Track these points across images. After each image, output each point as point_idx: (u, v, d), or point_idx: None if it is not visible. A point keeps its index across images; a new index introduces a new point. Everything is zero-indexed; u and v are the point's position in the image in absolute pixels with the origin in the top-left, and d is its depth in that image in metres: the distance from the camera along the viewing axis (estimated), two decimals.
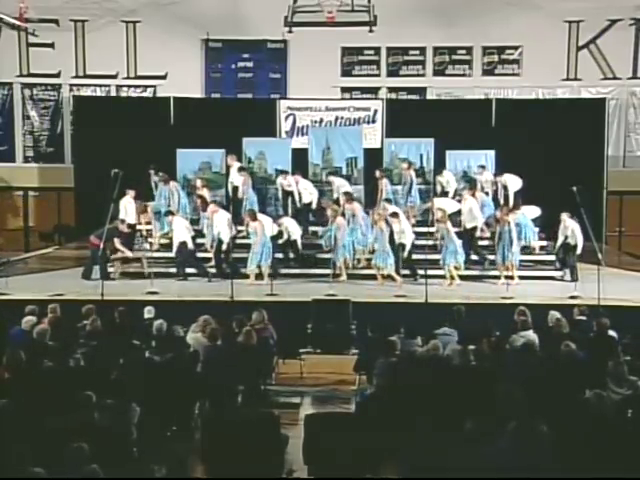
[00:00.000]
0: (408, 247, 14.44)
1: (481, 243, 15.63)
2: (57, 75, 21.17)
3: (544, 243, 16.28)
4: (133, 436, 7.09)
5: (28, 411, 7.20)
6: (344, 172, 17.23)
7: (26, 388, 7.85)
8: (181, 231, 14.91)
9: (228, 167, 16.86)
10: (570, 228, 14.44)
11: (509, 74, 20.86)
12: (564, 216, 14.50)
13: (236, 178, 16.45)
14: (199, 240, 15.42)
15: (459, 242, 14.53)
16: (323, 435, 7.36)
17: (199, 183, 16.25)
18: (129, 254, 15.00)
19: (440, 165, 17.15)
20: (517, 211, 15.15)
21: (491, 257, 15.20)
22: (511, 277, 14.22)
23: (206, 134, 17.41)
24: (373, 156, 17.40)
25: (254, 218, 14.60)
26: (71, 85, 21.13)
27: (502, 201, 16.21)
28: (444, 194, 16.54)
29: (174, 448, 7.60)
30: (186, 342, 9.85)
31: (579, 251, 14.49)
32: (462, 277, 14.68)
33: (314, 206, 16.28)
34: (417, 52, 20.92)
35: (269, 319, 10.75)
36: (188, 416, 8.61)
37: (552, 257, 15.62)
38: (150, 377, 8.44)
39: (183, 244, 14.85)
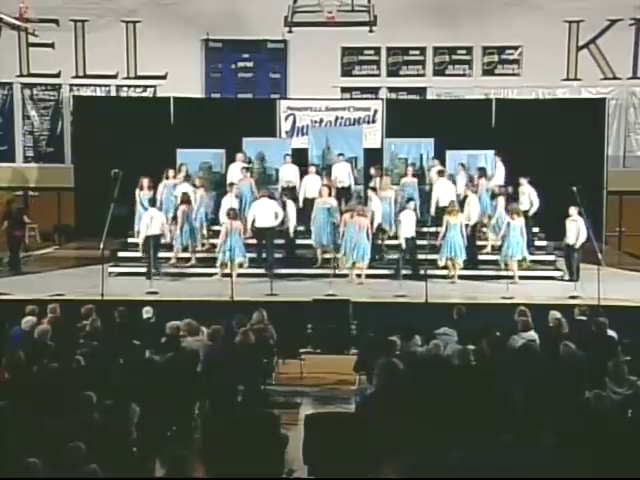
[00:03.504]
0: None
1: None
2: (57, 75, 21.16)
3: (544, 243, 16.30)
4: (133, 436, 7.10)
5: (28, 412, 7.21)
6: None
7: (26, 388, 7.85)
8: (157, 225, 14.93)
9: (232, 161, 16.77)
10: (577, 224, 14.43)
11: (509, 74, 20.85)
12: (572, 210, 14.46)
13: (234, 176, 16.42)
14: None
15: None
16: (323, 435, 7.36)
17: (198, 182, 16.25)
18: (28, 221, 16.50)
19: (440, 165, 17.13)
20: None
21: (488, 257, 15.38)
22: (511, 276, 14.23)
23: (206, 134, 17.40)
24: (373, 156, 17.38)
25: (234, 217, 14.66)
26: (71, 85, 21.11)
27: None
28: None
29: (174, 448, 7.59)
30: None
31: (578, 244, 14.46)
32: (462, 277, 14.73)
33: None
34: (417, 52, 20.91)
35: (269, 319, 10.75)
36: (188, 416, 8.62)
37: (552, 257, 15.63)
38: (150, 377, 8.44)
39: (157, 237, 14.93)
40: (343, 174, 16.54)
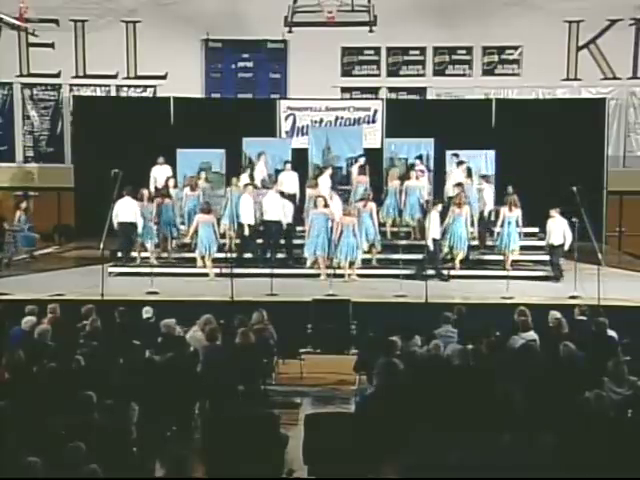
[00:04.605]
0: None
1: None
2: (57, 75, 21.16)
3: (543, 243, 16.29)
4: (133, 436, 7.10)
5: (28, 412, 7.21)
6: (344, 172, 17.20)
7: (26, 388, 7.85)
8: (130, 213, 15.14)
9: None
10: (561, 225, 14.51)
11: (509, 74, 20.85)
12: (554, 212, 14.57)
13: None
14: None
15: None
16: (323, 435, 7.36)
17: (187, 180, 16.40)
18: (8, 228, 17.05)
19: (439, 165, 17.15)
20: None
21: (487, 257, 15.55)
22: (508, 275, 14.30)
23: (206, 134, 17.42)
24: (373, 156, 17.38)
25: (207, 211, 14.99)
26: (71, 85, 21.11)
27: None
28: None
29: (174, 448, 7.59)
30: (186, 342, 9.85)
31: (566, 247, 14.56)
32: (462, 277, 14.76)
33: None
34: (417, 52, 20.91)
35: (269, 319, 10.75)
36: (188, 416, 8.62)
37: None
38: (150, 377, 8.44)
39: (131, 225, 15.17)
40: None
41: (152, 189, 16.28)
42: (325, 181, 16.25)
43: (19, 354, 8.70)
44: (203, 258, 14.97)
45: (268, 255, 15.37)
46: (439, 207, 14.97)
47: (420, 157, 16.93)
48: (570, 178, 15.09)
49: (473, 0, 20.17)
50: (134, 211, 15.21)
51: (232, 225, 15.50)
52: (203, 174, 16.50)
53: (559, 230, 14.53)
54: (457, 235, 14.77)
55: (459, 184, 15.64)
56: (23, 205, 17.56)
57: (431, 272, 14.39)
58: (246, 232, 15.32)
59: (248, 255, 15.45)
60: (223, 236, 15.62)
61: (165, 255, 15.77)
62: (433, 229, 14.71)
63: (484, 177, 16.19)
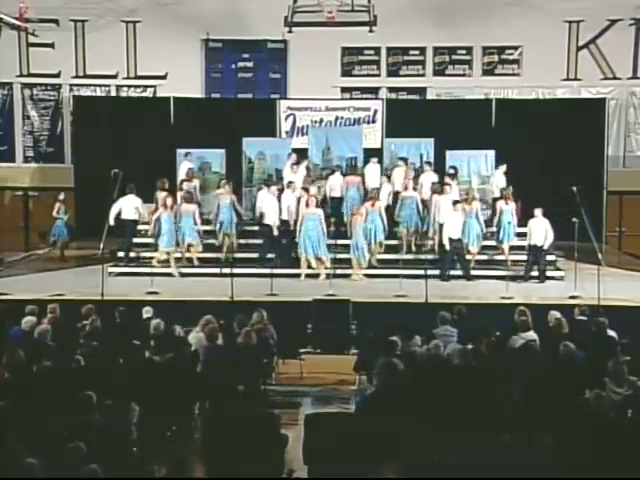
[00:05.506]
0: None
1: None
2: (57, 75, 21.14)
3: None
4: (133, 436, 7.10)
5: (28, 412, 7.21)
6: (344, 172, 17.17)
7: (26, 388, 7.85)
8: (131, 209, 15.31)
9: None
10: (543, 225, 14.56)
11: (509, 74, 20.83)
12: (537, 212, 14.64)
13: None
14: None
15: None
16: (323, 435, 7.36)
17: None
18: None
19: (440, 165, 17.13)
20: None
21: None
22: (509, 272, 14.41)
23: (206, 134, 17.42)
24: (373, 156, 17.37)
25: (190, 201, 15.27)
26: (71, 85, 21.09)
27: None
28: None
29: (174, 448, 7.59)
30: (186, 342, 9.85)
31: (546, 247, 14.70)
32: (462, 277, 14.76)
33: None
34: (417, 52, 20.89)
35: (269, 319, 10.75)
36: (188, 416, 8.62)
37: (552, 257, 15.64)
38: (150, 377, 8.44)
39: (132, 222, 15.35)
40: (375, 176, 16.61)
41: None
42: (337, 180, 16.34)
43: (19, 354, 8.71)
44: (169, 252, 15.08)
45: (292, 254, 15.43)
46: (458, 207, 14.95)
47: (404, 158, 16.86)
48: (570, 178, 15.09)
49: (473, 0, 20.16)
50: (137, 208, 15.22)
51: (226, 225, 15.57)
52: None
53: (541, 230, 14.60)
54: (474, 232, 14.95)
55: (446, 183, 15.69)
56: (61, 197, 17.67)
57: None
58: (275, 232, 15.36)
59: (250, 255, 15.51)
60: (223, 236, 15.68)
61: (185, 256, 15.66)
62: (453, 229, 14.76)
63: (428, 163, 16.56)
